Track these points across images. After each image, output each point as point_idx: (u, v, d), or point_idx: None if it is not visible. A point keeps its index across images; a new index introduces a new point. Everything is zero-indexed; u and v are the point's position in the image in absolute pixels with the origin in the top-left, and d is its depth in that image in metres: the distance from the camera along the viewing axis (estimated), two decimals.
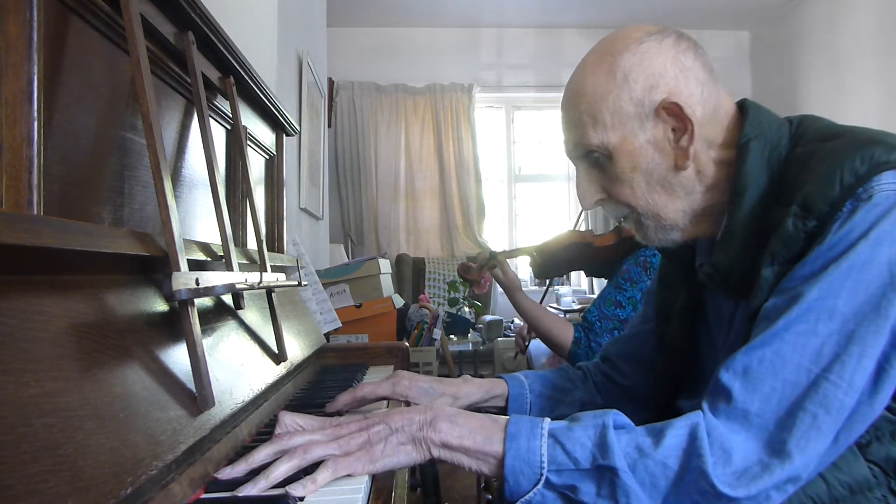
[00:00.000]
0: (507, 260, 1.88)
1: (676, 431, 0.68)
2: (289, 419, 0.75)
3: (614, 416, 0.71)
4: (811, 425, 0.66)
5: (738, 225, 0.79)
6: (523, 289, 1.82)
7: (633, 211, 0.84)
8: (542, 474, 0.68)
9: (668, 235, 0.85)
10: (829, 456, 0.68)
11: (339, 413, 0.94)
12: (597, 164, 0.84)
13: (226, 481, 0.66)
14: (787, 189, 0.75)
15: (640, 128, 0.80)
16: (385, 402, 1.03)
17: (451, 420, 0.73)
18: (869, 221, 0.68)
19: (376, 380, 0.99)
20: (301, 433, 0.72)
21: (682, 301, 0.96)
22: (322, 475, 0.67)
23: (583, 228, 1.95)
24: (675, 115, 0.79)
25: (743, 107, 0.84)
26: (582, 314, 1.76)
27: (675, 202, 0.82)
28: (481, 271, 1.90)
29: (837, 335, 0.67)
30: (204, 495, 0.64)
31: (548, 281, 2.15)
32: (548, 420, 0.72)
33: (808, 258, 0.70)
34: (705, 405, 0.70)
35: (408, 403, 0.96)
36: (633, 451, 0.68)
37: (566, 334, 1.68)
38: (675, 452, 0.67)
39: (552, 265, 1.85)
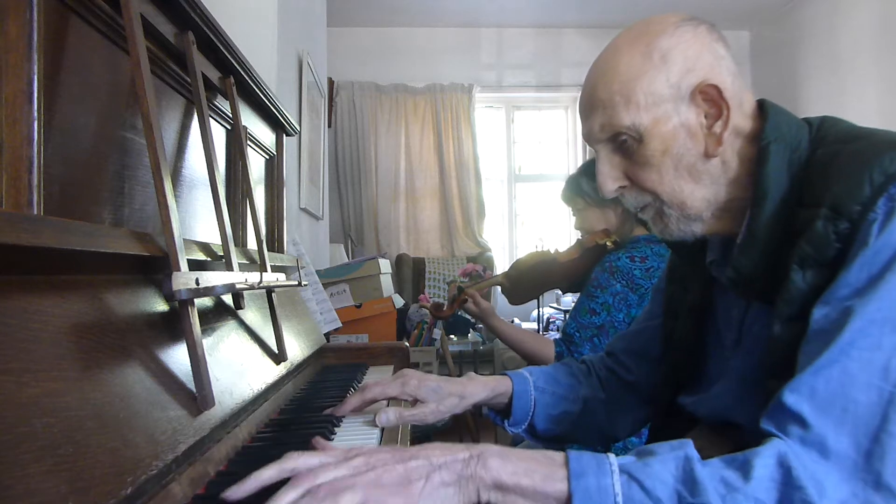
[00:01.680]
0: (478, 291, 1.88)
1: (764, 461, 0.61)
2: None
3: (692, 447, 0.64)
4: None
5: (760, 228, 0.77)
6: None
7: (657, 199, 0.82)
8: None
9: (690, 227, 0.83)
10: None
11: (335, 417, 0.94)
12: (622, 147, 0.82)
13: (227, 482, 0.66)
14: (809, 191, 0.74)
15: (674, 110, 0.78)
16: (386, 402, 1.03)
17: (503, 456, 0.64)
18: None
19: (376, 379, 0.99)
20: (324, 471, 0.61)
21: (692, 298, 0.95)
22: (346, 498, 0.58)
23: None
24: (710, 100, 0.78)
25: (762, 107, 0.83)
26: (561, 329, 1.76)
27: (701, 190, 0.81)
28: (452, 307, 1.91)
29: None
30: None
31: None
32: (612, 455, 0.65)
33: (852, 266, 0.67)
34: (774, 430, 0.65)
35: (414, 402, 0.96)
36: (720, 486, 0.60)
37: (548, 351, 1.71)
38: (769, 485, 0.60)
39: (524, 289, 1.86)
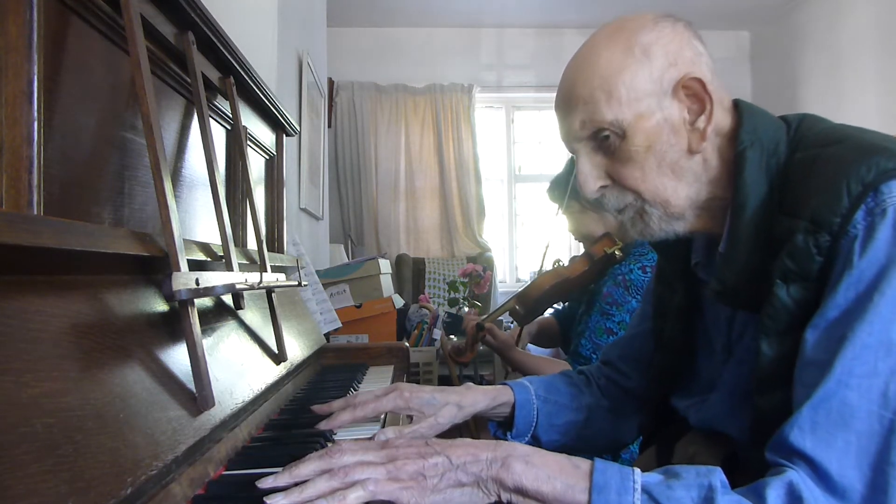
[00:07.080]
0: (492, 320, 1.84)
1: (777, 492, 0.61)
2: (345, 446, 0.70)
3: (720, 476, 0.64)
4: None
5: (741, 237, 0.76)
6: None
7: (639, 198, 0.80)
8: None
9: (672, 226, 0.81)
10: None
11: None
12: (603, 145, 0.80)
13: (227, 482, 0.66)
14: (789, 197, 0.73)
15: (657, 105, 0.77)
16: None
17: (526, 460, 0.66)
18: (894, 238, 0.64)
19: (376, 382, 0.99)
20: (353, 451, 0.66)
21: (679, 298, 0.94)
22: (355, 493, 0.61)
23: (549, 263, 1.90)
24: (693, 95, 0.77)
25: (737, 108, 0.82)
26: (572, 349, 1.71)
27: (684, 188, 0.79)
28: (473, 348, 1.85)
29: None
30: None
31: None
32: (637, 471, 0.65)
33: (838, 287, 0.66)
34: (783, 461, 0.65)
35: (411, 417, 0.93)
36: None
37: None
38: None
39: (534, 312, 1.81)
